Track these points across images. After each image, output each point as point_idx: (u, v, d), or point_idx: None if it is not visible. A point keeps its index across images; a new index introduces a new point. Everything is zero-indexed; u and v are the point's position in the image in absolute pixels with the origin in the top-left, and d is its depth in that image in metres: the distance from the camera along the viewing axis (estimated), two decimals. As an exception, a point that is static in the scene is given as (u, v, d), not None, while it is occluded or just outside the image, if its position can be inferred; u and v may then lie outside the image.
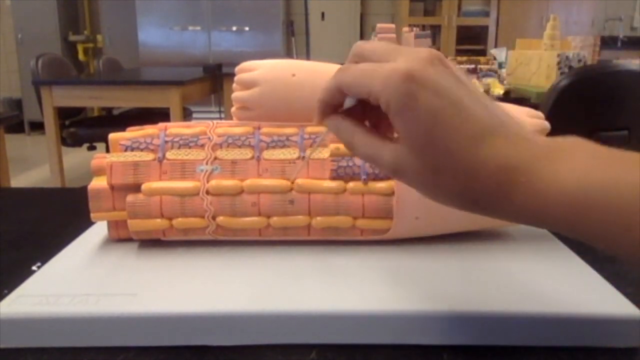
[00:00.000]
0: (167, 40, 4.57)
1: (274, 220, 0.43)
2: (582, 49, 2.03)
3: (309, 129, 0.45)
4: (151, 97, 2.52)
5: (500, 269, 0.41)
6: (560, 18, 1.92)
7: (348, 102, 0.30)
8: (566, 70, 1.73)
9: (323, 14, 4.75)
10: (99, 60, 3.31)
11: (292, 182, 0.44)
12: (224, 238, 0.45)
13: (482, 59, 1.94)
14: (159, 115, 2.48)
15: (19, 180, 3.25)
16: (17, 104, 4.73)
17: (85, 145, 2.68)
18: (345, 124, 0.30)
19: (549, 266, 0.42)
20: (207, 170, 0.44)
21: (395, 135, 0.29)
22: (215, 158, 0.44)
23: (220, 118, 3.38)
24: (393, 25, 0.69)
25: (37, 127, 4.36)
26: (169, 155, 0.44)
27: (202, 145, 0.45)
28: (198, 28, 4.55)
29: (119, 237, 0.46)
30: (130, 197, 0.43)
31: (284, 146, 0.45)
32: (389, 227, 0.44)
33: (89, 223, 0.48)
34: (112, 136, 0.45)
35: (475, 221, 0.44)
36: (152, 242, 0.45)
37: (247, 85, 0.47)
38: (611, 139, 1.36)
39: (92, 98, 2.58)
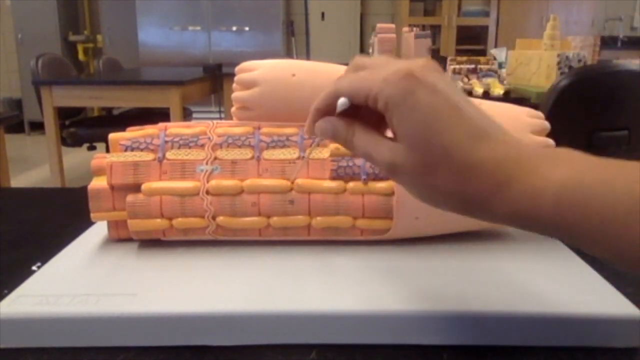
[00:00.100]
0: (167, 40, 4.57)
1: (274, 220, 0.43)
2: (582, 49, 2.03)
3: (307, 134, 0.45)
4: (151, 97, 2.52)
5: (500, 269, 0.41)
6: (560, 18, 1.92)
7: (341, 105, 0.30)
8: (566, 70, 1.73)
9: (323, 14, 4.75)
10: (99, 60, 3.31)
11: (292, 182, 0.44)
12: (224, 238, 0.45)
13: (482, 59, 1.94)
14: (159, 115, 2.48)
15: (19, 180, 3.25)
16: (17, 104, 4.73)
17: (85, 145, 2.68)
18: (342, 123, 0.30)
19: (549, 266, 0.42)
20: (207, 170, 0.44)
21: (391, 136, 0.29)
22: (215, 158, 0.44)
23: (220, 118, 3.38)
24: (393, 25, 0.69)
25: (37, 127, 4.36)
26: (169, 155, 0.44)
27: (202, 145, 0.45)
28: (198, 28, 4.55)
29: (119, 237, 0.46)
30: (130, 197, 0.43)
31: (284, 146, 0.45)
32: (389, 227, 0.44)
33: (89, 223, 0.48)
34: (112, 136, 0.45)
35: (475, 221, 0.44)
36: (152, 242, 0.45)
37: (247, 85, 0.47)
38: (611, 139, 1.36)
39: (92, 98, 2.58)
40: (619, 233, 0.22)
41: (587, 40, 2.11)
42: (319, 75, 0.47)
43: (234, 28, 4.54)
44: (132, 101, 2.63)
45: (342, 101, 0.30)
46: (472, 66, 1.86)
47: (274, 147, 0.45)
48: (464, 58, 1.94)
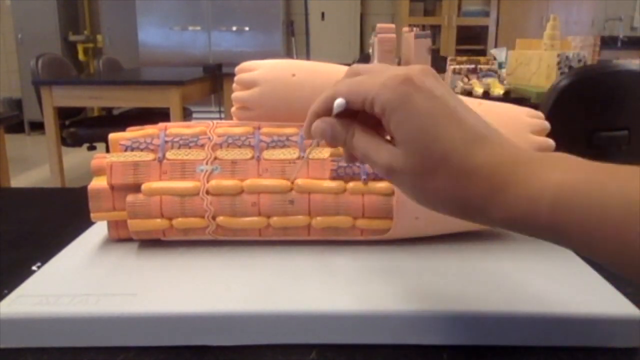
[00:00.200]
0: (167, 40, 4.57)
1: (274, 220, 0.43)
2: (582, 49, 2.03)
3: (305, 137, 0.45)
4: (151, 97, 2.52)
5: (500, 269, 0.41)
6: (560, 18, 1.92)
7: (338, 106, 0.30)
8: (566, 70, 1.73)
9: (323, 14, 4.75)
10: (99, 60, 3.31)
11: (292, 182, 0.44)
12: (224, 238, 0.45)
13: (482, 59, 1.94)
14: (159, 115, 2.48)
15: (19, 180, 3.25)
16: (17, 104, 4.73)
17: (85, 145, 2.68)
18: (340, 123, 0.30)
19: (549, 266, 0.42)
20: (207, 170, 0.44)
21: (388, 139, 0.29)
22: (215, 158, 0.44)
23: (220, 118, 3.38)
24: (393, 25, 0.69)
25: (37, 127, 4.36)
26: (169, 155, 0.44)
27: (202, 145, 0.45)
28: (198, 28, 4.55)
29: (119, 237, 0.46)
30: (130, 197, 0.43)
31: (284, 146, 0.45)
32: (389, 227, 0.44)
33: (89, 223, 0.48)
34: (112, 136, 0.45)
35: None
36: (152, 242, 0.45)
37: (247, 85, 0.47)
38: (611, 139, 1.36)
39: (92, 98, 2.58)
40: (614, 237, 0.22)
41: (587, 40, 2.11)
42: (319, 75, 0.47)
43: (234, 28, 4.54)
44: (132, 101, 2.63)
45: (339, 102, 0.30)
46: (472, 66, 1.86)
47: (274, 147, 0.45)
48: (464, 58, 1.94)
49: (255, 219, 0.43)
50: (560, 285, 0.38)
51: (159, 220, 0.43)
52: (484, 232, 0.48)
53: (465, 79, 1.83)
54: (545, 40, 1.88)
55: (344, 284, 0.39)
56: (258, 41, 4.55)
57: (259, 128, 0.46)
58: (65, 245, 0.46)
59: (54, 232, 0.54)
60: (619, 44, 4.60)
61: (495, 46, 4.16)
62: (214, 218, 0.43)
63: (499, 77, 1.86)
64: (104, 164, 0.44)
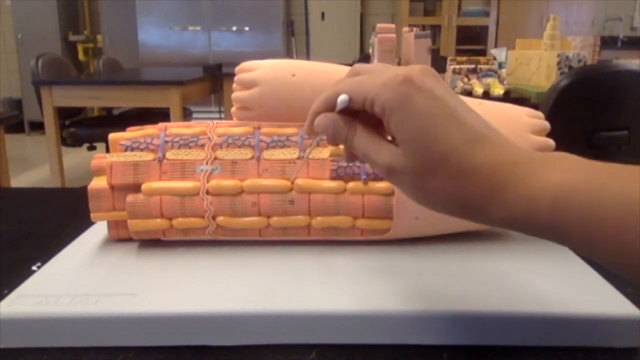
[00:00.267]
0: (167, 40, 4.57)
1: (274, 220, 0.43)
2: (582, 49, 2.03)
3: (306, 136, 0.45)
4: (151, 97, 2.52)
5: (500, 269, 0.41)
6: (560, 18, 1.92)
7: (341, 102, 0.30)
8: (566, 70, 1.73)
9: (323, 14, 4.75)
10: (99, 60, 3.31)
11: (292, 182, 0.44)
12: (224, 238, 0.45)
13: (482, 59, 1.94)
14: (159, 115, 2.49)
15: (19, 180, 3.25)
16: (17, 104, 4.73)
17: (85, 145, 2.68)
18: (343, 121, 0.30)
19: (549, 266, 0.42)
20: (207, 170, 0.44)
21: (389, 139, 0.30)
22: (215, 158, 0.44)
23: (220, 118, 3.38)
24: (393, 25, 0.69)
25: (37, 127, 4.36)
26: (169, 155, 0.44)
27: (202, 145, 0.45)
28: (198, 28, 4.55)
29: (119, 237, 0.46)
30: (130, 197, 0.43)
31: (284, 146, 0.45)
32: (389, 227, 0.44)
33: (89, 223, 0.48)
34: (112, 136, 0.45)
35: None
36: (152, 242, 0.45)
37: (247, 85, 0.47)
38: (611, 139, 1.36)
39: (92, 98, 2.58)
40: (614, 238, 0.22)
41: (587, 40, 2.11)
42: (319, 75, 0.47)
43: (234, 28, 4.54)
44: (132, 101, 2.63)
45: (342, 98, 0.30)
46: (472, 66, 1.86)
47: (274, 147, 0.45)
48: (464, 58, 1.94)
49: (255, 219, 0.43)
50: (560, 285, 0.38)
51: (159, 220, 0.43)
52: (484, 232, 0.48)
53: (465, 79, 1.83)
54: (545, 40, 1.88)
55: (344, 284, 0.39)
56: (258, 41, 4.55)
57: (259, 128, 0.46)
58: (65, 245, 0.46)
59: (54, 232, 0.54)
60: (619, 44, 4.60)
61: (495, 46, 4.16)
62: (214, 218, 0.43)
63: (499, 77, 1.86)
64: (104, 164, 0.44)
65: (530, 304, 0.36)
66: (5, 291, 0.38)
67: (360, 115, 0.30)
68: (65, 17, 4.76)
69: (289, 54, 4.77)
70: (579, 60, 1.77)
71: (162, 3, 4.49)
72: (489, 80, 1.79)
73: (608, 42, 4.15)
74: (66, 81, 2.66)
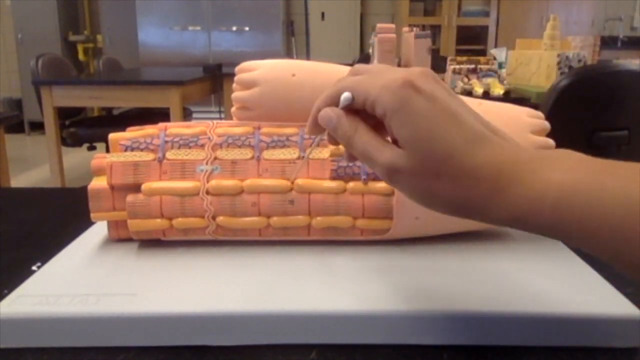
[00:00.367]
0: (167, 40, 4.57)
1: (274, 220, 0.43)
2: (582, 49, 2.03)
3: (309, 133, 0.45)
4: (151, 97, 2.52)
5: (500, 269, 0.41)
6: (560, 18, 1.92)
7: (344, 100, 0.30)
8: (566, 70, 1.73)
9: (323, 14, 4.75)
10: (99, 60, 3.31)
11: (292, 182, 0.44)
12: (224, 238, 0.45)
13: (482, 59, 1.94)
14: (159, 115, 2.49)
15: (19, 180, 3.25)
16: (17, 104, 4.73)
17: (85, 145, 2.68)
18: (346, 118, 0.30)
19: (549, 266, 0.42)
20: (207, 170, 0.44)
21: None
22: (215, 158, 0.44)
23: (220, 118, 3.38)
24: (393, 25, 0.69)
25: (37, 127, 4.36)
26: (169, 155, 0.44)
27: (202, 145, 0.45)
28: (198, 28, 4.55)
29: (119, 237, 0.46)
30: (130, 197, 0.43)
31: (284, 146, 0.45)
32: (389, 227, 0.44)
33: (89, 223, 0.48)
34: (112, 136, 0.45)
35: (475, 222, 0.44)
36: (152, 242, 0.45)
37: (247, 85, 0.47)
38: (611, 139, 1.36)
39: (92, 98, 2.58)
40: (616, 236, 0.23)
41: (587, 40, 2.11)
42: (319, 75, 0.47)
43: (234, 28, 4.54)
44: (132, 101, 2.63)
45: (345, 96, 0.30)
46: (472, 66, 1.86)
47: (274, 147, 0.45)
48: (464, 58, 1.94)
49: (255, 219, 0.43)
50: (560, 285, 0.38)
51: (159, 220, 0.43)
52: (484, 232, 0.48)
53: (465, 79, 1.83)
54: (545, 40, 1.88)
55: (344, 284, 0.39)
56: (258, 41, 4.55)
57: (259, 128, 0.46)
58: (65, 245, 0.46)
59: (54, 232, 0.54)
60: (619, 44, 4.60)
61: (495, 46, 4.16)
62: (214, 218, 0.43)
63: (499, 77, 1.86)
64: (104, 164, 0.44)
65: (530, 304, 0.36)
66: (5, 291, 0.38)
67: (362, 115, 0.31)
68: (65, 17, 4.76)
69: (289, 54, 4.77)
70: (579, 60, 1.77)
71: (162, 3, 4.49)
72: (489, 80, 1.79)
73: (608, 42, 4.15)
74: (66, 81, 2.66)
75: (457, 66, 1.86)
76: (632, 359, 0.34)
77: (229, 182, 0.43)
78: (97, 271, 0.41)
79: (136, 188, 0.44)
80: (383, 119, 0.29)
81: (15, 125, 4.17)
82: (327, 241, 0.45)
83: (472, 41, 4.72)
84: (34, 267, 0.44)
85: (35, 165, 3.69)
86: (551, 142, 0.46)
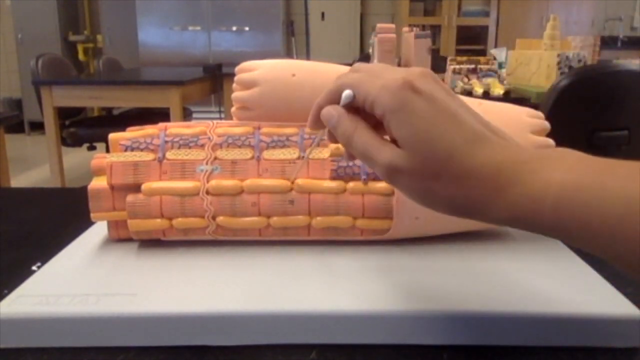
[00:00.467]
0: (167, 40, 4.57)
1: (274, 220, 0.43)
2: (582, 49, 2.03)
3: (309, 129, 0.45)
4: (151, 97, 2.52)
5: (500, 269, 0.41)
6: (560, 18, 1.92)
7: (345, 97, 0.30)
8: (566, 70, 1.73)
9: (323, 14, 4.75)
10: (99, 60, 3.31)
11: (292, 182, 0.44)
12: (224, 238, 0.45)
13: (482, 59, 1.94)
14: (159, 115, 2.49)
15: (19, 180, 3.25)
16: (17, 104, 4.73)
17: (85, 145, 2.68)
18: (347, 116, 0.30)
19: (549, 266, 0.42)
20: (207, 170, 0.44)
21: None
22: (215, 158, 0.44)
23: (220, 118, 3.38)
24: (393, 25, 0.69)
25: (37, 127, 4.36)
26: (169, 155, 0.44)
27: (202, 145, 0.45)
28: (198, 28, 4.55)
29: (119, 237, 0.46)
30: (130, 197, 0.43)
31: (284, 146, 0.45)
32: (389, 227, 0.44)
33: (89, 223, 0.48)
34: (112, 136, 0.45)
35: (475, 222, 0.44)
36: (152, 242, 0.45)
37: (247, 85, 0.47)
38: (611, 139, 1.36)
39: (92, 98, 2.58)
40: (616, 235, 0.23)
41: (587, 40, 2.11)
42: (319, 75, 0.47)
43: (234, 28, 4.54)
44: (132, 101, 2.63)
45: (347, 93, 0.30)
46: (472, 66, 1.86)
47: (274, 147, 0.45)
48: (464, 58, 1.94)
49: (255, 219, 0.43)
50: (560, 285, 0.38)
51: (159, 220, 0.43)
52: (484, 232, 0.48)
53: (465, 79, 1.83)
54: (545, 40, 1.88)
55: (344, 283, 0.39)
56: (258, 41, 4.55)
57: (259, 128, 0.46)
58: (65, 245, 0.46)
59: (54, 232, 0.54)
60: (619, 44, 4.60)
61: (495, 46, 4.16)
62: (214, 218, 0.43)
63: (499, 77, 1.86)
64: (104, 164, 0.44)
65: (530, 304, 0.36)
66: (5, 291, 0.38)
67: (362, 113, 0.31)
68: (65, 17, 4.76)
69: (289, 54, 4.77)
70: (579, 60, 1.77)
71: (162, 3, 4.49)
72: (489, 80, 1.79)
73: (608, 42, 4.15)
74: (66, 81, 2.66)
75: (457, 66, 1.86)
76: (632, 359, 0.34)
77: (229, 182, 0.43)
78: (97, 271, 0.41)
79: (136, 188, 0.44)
80: (382, 119, 0.29)
81: (15, 125, 4.17)
82: (327, 241, 0.45)
83: (472, 41, 4.72)
84: (34, 267, 0.44)
85: (35, 165, 3.69)
86: (551, 142, 0.46)
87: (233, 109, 0.49)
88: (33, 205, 0.65)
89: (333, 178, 0.44)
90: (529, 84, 1.87)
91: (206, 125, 0.46)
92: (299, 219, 0.43)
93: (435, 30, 4.62)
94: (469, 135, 0.27)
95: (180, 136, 0.45)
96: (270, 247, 0.45)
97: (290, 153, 0.44)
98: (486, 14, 4.67)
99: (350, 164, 0.44)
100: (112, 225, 0.46)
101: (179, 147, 0.45)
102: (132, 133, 0.46)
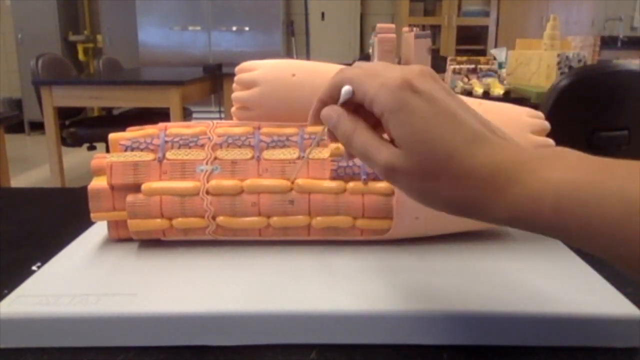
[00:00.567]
0: (167, 40, 4.57)
1: (274, 220, 0.43)
2: (582, 49, 2.03)
3: (309, 129, 0.45)
4: (151, 97, 2.52)
5: (500, 269, 0.41)
6: (560, 18, 1.92)
7: (345, 93, 0.30)
8: (566, 70, 1.73)
9: (323, 14, 4.75)
10: (99, 60, 3.31)
11: (292, 182, 0.44)
12: (224, 238, 0.45)
13: (482, 59, 1.94)
14: (159, 115, 2.49)
15: (19, 180, 3.24)
16: (17, 104, 4.73)
17: (85, 145, 2.68)
18: (347, 116, 0.31)
19: (549, 266, 0.42)
20: (207, 170, 0.44)
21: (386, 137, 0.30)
22: (215, 158, 0.44)
23: (220, 118, 3.38)
24: (393, 25, 0.69)
25: (37, 127, 4.36)
26: (169, 155, 0.44)
27: (202, 145, 0.45)
28: (198, 28, 4.55)
29: (119, 237, 0.46)
30: (130, 197, 0.43)
31: (284, 146, 0.45)
32: (389, 227, 0.44)
33: (89, 223, 0.48)
34: (112, 136, 0.45)
35: (476, 221, 0.44)
36: (152, 242, 0.45)
37: (247, 85, 0.47)
38: (611, 139, 1.36)
39: (92, 98, 2.58)
40: (615, 235, 0.23)
41: (587, 40, 2.11)
42: (319, 75, 0.47)
43: (234, 28, 4.54)
44: (132, 101, 2.63)
45: (346, 89, 0.30)
46: (472, 66, 1.86)
47: (274, 147, 0.45)
48: (464, 58, 1.94)
49: (255, 219, 0.43)
50: (560, 285, 0.38)
51: (159, 220, 0.43)
52: (484, 232, 0.48)
53: (465, 79, 1.83)
54: (545, 40, 1.88)
55: (344, 284, 0.39)
56: (258, 41, 4.55)
57: (259, 128, 0.46)
58: (65, 245, 0.46)
59: (54, 232, 0.54)
60: (619, 44, 4.60)
61: (495, 46, 4.16)
62: (214, 218, 0.43)
63: (499, 77, 1.86)
64: (104, 164, 0.44)
65: (530, 304, 0.36)
66: (5, 291, 0.38)
67: (361, 111, 0.31)
68: (65, 17, 4.76)
69: (289, 54, 4.77)
70: (579, 60, 1.77)
71: (162, 3, 4.49)
72: (489, 80, 1.79)
73: (608, 42, 4.15)
74: (66, 81, 2.66)
75: (457, 66, 1.86)
76: (632, 359, 0.34)
77: (229, 182, 0.43)
78: (97, 271, 0.41)
79: (136, 188, 0.44)
80: (380, 118, 0.29)
81: (15, 125, 4.17)
82: (327, 241, 0.45)
83: (472, 41, 4.72)
84: (34, 267, 0.44)
85: (35, 165, 3.69)
86: (551, 142, 0.46)
87: (233, 109, 0.49)
88: (33, 205, 0.65)
89: (333, 178, 0.44)
90: (529, 84, 1.87)
91: (206, 125, 0.46)
92: (299, 219, 0.43)
93: (435, 30, 4.62)
94: (469, 135, 0.27)
95: (180, 136, 0.45)
96: (270, 247, 0.45)
97: (290, 153, 0.44)
98: (486, 14, 4.68)
99: (351, 163, 0.44)
100: (112, 225, 0.46)
101: (179, 147, 0.45)
102: (132, 133, 0.46)
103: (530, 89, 1.77)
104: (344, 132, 0.30)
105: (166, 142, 0.45)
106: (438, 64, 1.96)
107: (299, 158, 0.44)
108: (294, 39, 4.90)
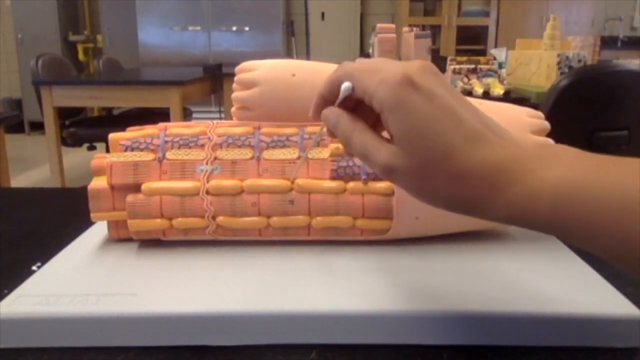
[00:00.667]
0: (167, 40, 4.57)
1: (274, 220, 0.43)
2: (582, 49, 2.03)
3: (309, 129, 0.45)
4: (151, 97, 2.53)
5: (500, 269, 0.41)
6: (560, 18, 1.92)
7: (345, 89, 0.30)
8: (566, 70, 1.73)
9: (323, 14, 4.75)
10: (99, 60, 3.31)
11: (292, 182, 0.44)
12: (224, 238, 0.45)
13: (482, 59, 1.94)
14: (159, 115, 2.49)
15: (19, 180, 3.25)
16: (17, 104, 4.73)
17: (85, 145, 2.68)
18: (346, 117, 0.30)
19: (549, 266, 0.42)
20: (207, 170, 0.44)
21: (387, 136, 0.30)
22: (215, 158, 0.44)
23: (220, 118, 3.38)
24: (393, 25, 0.69)
25: (37, 127, 4.36)
26: (169, 155, 0.44)
27: (202, 145, 0.45)
28: (198, 28, 4.55)
29: (119, 237, 0.46)
30: (130, 197, 0.43)
31: (284, 146, 0.45)
32: (389, 227, 0.44)
33: (89, 223, 0.48)
34: (112, 136, 0.45)
35: (476, 221, 0.44)
36: (152, 242, 0.45)
37: (247, 85, 0.47)
38: (611, 139, 1.36)
39: (92, 98, 2.58)
40: (614, 233, 0.23)
41: (587, 40, 2.11)
42: (319, 75, 0.47)
43: (234, 28, 4.54)
44: (132, 101, 2.63)
45: (346, 86, 0.30)
46: (472, 66, 1.86)
47: (274, 147, 0.45)
48: (464, 58, 1.94)
49: (255, 219, 0.43)
50: (560, 285, 0.38)
51: (159, 220, 0.43)
52: (484, 232, 0.48)
53: (465, 79, 1.83)
54: (545, 40, 1.88)
55: (344, 283, 0.39)
56: (258, 41, 4.55)
57: (259, 128, 0.46)
58: (65, 245, 0.46)
59: (54, 232, 0.54)
60: (619, 44, 4.60)
61: (495, 46, 4.16)
62: (214, 218, 0.43)
63: (499, 77, 1.86)
64: (104, 164, 0.44)
65: (530, 304, 0.36)
66: (5, 291, 0.38)
67: (360, 108, 0.30)
68: (65, 17, 4.76)
69: (289, 54, 4.77)
70: (579, 60, 1.77)
71: (162, 3, 4.49)
72: (489, 80, 1.79)
73: (608, 42, 4.15)
74: (66, 81, 2.66)
75: (457, 66, 1.86)
76: (632, 359, 0.34)
77: (229, 182, 0.43)
78: (97, 271, 0.41)
79: (136, 188, 0.44)
80: (380, 114, 0.28)
81: (15, 125, 4.17)
82: (327, 241, 0.45)
83: (472, 41, 4.73)
84: (34, 267, 0.44)
85: (35, 165, 3.69)
86: (551, 142, 0.46)
87: (233, 109, 0.49)
88: (33, 205, 0.65)
89: (333, 178, 0.44)
90: (529, 84, 1.87)
91: (206, 125, 0.46)
92: (299, 219, 0.43)
93: (435, 30, 4.62)
94: (468, 134, 0.27)
95: (180, 136, 0.45)
96: (270, 247, 0.45)
97: (290, 153, 0.44)
98: (486, 14, 4.68)
99: (351, 164, 0.44)
100: (112, 225, 0.46)
101: (179, 147, 0.45)
102: (132, 133, 0.46)
103: (530, 89, 1.77)
104: (343, 133, 0.30)
105: (166, 142, 0.45)
106: (438, 64, 1.96)
107: (299, 158, 0.44)
108: (294, 39, 4.90)
